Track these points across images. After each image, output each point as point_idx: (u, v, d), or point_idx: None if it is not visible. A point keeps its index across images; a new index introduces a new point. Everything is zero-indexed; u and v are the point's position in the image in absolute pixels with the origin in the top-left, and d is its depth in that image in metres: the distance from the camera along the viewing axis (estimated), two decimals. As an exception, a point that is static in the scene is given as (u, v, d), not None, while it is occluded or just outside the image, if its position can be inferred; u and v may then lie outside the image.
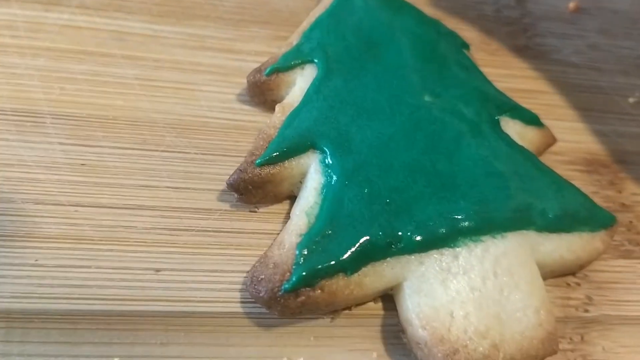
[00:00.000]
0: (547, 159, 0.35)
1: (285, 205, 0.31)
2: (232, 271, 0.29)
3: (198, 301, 0.27)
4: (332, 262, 0.26)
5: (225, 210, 0.30)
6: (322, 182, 0.29)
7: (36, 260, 0.27)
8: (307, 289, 0.26)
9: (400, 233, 0.27)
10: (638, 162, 0.38)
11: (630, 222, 0.35)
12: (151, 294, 0.27)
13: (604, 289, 0.32)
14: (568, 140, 0.38)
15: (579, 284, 0.32)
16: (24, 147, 0.30)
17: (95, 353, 0.26)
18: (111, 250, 0.28)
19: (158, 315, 0.27)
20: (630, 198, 0.36)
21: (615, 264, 0.33)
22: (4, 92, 0.32)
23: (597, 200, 0.33)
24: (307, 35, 0.35)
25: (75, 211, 0.29)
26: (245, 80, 0.35)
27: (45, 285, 0.27)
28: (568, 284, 0.32)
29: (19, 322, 0.26)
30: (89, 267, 0.27)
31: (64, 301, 0.26)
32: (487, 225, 0.28)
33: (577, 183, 0.33)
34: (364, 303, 0.29)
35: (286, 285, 0.26)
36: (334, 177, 0.29)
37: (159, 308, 0.27)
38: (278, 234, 0.30)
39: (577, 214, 0.31)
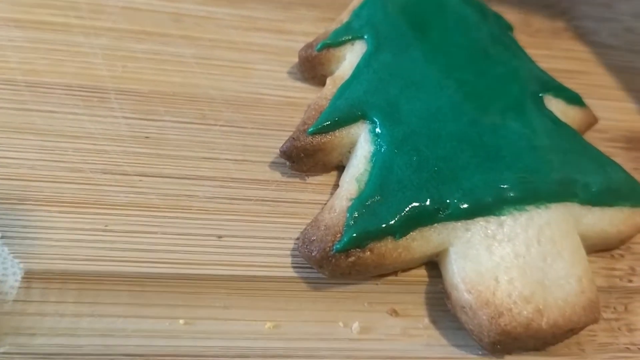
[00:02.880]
0: (588, 136, 0.36)
1: (334, 176, 0.33)
2: (290, 238, 0.30)
3: (258, 266, 0.29)
4: (382, 225, 0.27)
5: (280, 181, 0.32)
6: (372, 150, 0.30)
7: (106, 225, 0.29)
8: (357, 250, 0.27)
9: (447, 200, 0.28)
10: (677, 139, 0.38)
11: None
12: (214, 259, 0.29)
13: (647, 260, 0.33)
14: (609, 118, 0.39)
15: (622, 255, 0.33)
16: (91, 121, 0.32)
17: (162, 314, 0.27)
18: (176, 217, 0.29)
19: (221, 279, 0.28)
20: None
21: (658, 238, 0.34)
22: (71, 70, 0.33)
23: (638, 176, 0.33)
24: (357, 13, 0.36)
25: (140, 180, 0.30)
26: (295, 60, 0.36)
27: (116, 249, 0.28)
28: (612, 255, 0.33)
29: (91, 283, 0.27)
30: (156, 233, 0.29)
31: (134, 264, 0.28)
32: (532, 195, 0.29)
33: (617, 159, 0.34)
34: (409, 269, 0.30)
35: (337, 245, 0.27)
36: (384, 146, 0.30)
37: (221, 272, 0.28)
38: (329, 203, 0.31)
39: (618, 189, 0.31)
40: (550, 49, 0.42)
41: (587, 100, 0.37)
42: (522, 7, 0.44)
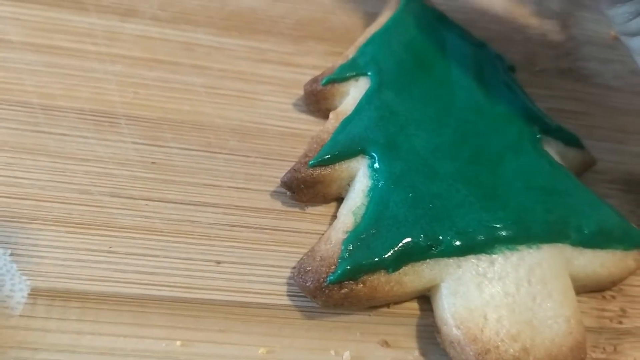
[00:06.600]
0: (587, 177, 0.37)
1: (333, 207, 0.33)
2: (287, 267, 0.31)
3: (255, 293, 0.30)
4: (375, 259, 0.28)
5: (281, 210, 0.33)
6: (370, 185, 0.31)
7: (110, 247, 0.30)
8: (351, 282, 0.28)
9: (440, 237, 0.29)
10: (676, 184, 0.39)
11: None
12: (212, 284, 0.30)
13: (638, 302, 0.33)
14: (608, 160, 0.39)
15: (614, 297, 0.33)
16: (101, 145, 0.33)
17: (160, 335, 0.28)
18: (178, 242, 0.30)
19: (218, 304, 0.29)
20: (665, 219, 0.37)
21: (650, 280, 0.34)
22: (84, 94, 0.35)
23: (633, 219, 0.34)
24: (362, 50, 0.37)
25: (146, 205, 0.31)
26: (301, 92, 0.37)
27: (119, 271, 0.29)
28: (603, 296, 0.33)
29: (93, 302, 0.28)
30: (158, 256, 0.30)
31: (136, 286, 0.29)
32: (524, 235, 0.30)
33: (614, 201, 0.34)
34: (401, 302, 0.31)
35: (331, 277, 0.28)
36: (381, 181, 0.31)
37: (219, 297, 0.29)
38: (328, 233, 0.32)
39: (611, 232, 0.32)
40: (553, 89, 0.42)
41: (587, 141, 0.37)
42: (527, 46, 0.45)
